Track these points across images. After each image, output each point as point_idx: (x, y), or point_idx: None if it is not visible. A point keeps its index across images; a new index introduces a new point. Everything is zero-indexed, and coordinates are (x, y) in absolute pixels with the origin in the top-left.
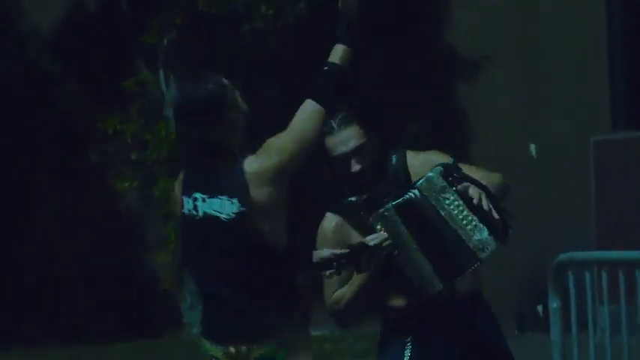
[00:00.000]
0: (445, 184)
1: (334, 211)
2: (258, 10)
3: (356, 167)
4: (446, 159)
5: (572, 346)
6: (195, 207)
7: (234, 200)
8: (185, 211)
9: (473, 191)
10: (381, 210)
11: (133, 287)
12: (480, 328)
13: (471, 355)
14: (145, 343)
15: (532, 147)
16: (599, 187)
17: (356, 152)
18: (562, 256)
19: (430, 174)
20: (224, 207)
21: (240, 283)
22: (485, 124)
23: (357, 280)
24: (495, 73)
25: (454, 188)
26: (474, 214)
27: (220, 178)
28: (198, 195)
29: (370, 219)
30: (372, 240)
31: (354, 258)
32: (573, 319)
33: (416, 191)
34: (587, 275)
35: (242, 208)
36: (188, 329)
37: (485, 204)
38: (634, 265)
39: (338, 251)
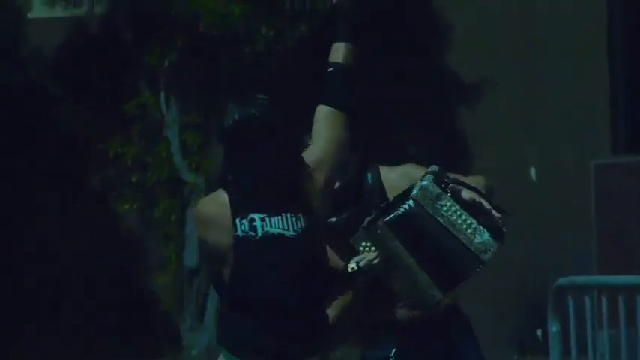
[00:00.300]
0: (440, 191)
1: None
2: (259, 32)
3: (335, 185)
4: (422, 171)
5: None
6: (253, 227)
7: (300, 216)
8: (239, 233)
9: (467, 194)
10: (369, 227)
11: (134, 308)
12: (457, 341)
13: None
14: None
15: (532, 170)
16: (600, 211)
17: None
18: (562, 280)
19: (424, 183)
20: (288, 224)
21: (300, 301)
22: (486, 148)
23: (339, 302)
24: (496, 97)
25: (449, 194)
26: (472, 217)
27: (283, 196)
28: (255, 216)
29: (350, 240)
30: (360, 261)
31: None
32: (573, 344)
33: (411, 202)
34: (587, 300)
35: (306, 224)
36: (188, 351)
37: (486, 204)
38: (634, 289)
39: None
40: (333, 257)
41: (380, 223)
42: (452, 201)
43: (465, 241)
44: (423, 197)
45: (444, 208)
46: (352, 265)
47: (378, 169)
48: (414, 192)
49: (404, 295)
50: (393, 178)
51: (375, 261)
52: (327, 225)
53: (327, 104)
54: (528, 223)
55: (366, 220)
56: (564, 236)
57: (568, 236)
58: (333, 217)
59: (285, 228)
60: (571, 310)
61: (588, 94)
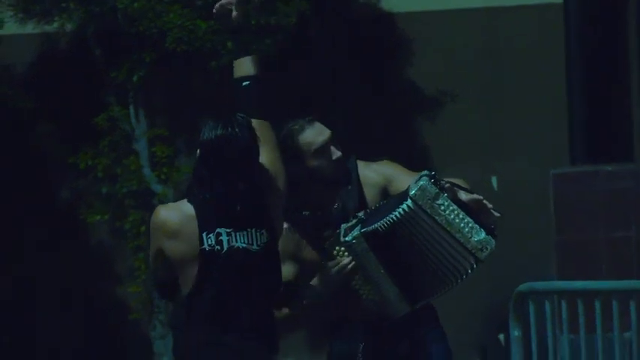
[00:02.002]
0: (437, 190)
1: (289, 222)
2: (225, 46)
3: (337, 153)
4: (397, 168)
5: None
6: (219, 242)
7: (263, 231)
8: (205, 247)
9: (467, 195)
10: (345, 234)
11: (105, 317)
12: (425, 334)
13: None
14: None
15: (494, 180)
16: (559, 218)
17: (332, 139)
18: (522, 287)
19: (421, 183)
20: (253, 239)
21: (256, 308)
22: (450, 159)
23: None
24: (459, 111)
25: (445, 194)
26: (469, 216)
27: (249, 211)
28: (222, 230)
29: (325, 245)
30: (333, 267)
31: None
32: (534, 348)
33: (410, 202)
34: (548, 305)
35: (269, 238)
36: (158, 358)
37: (488, 203)
38: (593, 295)
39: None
40: (309, 252)
41: (356, 232)
42: (449, 200)
43: (461, 240)
44: (422, 197)
45: (442, 207)
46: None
47: (356, 162)
48: (413, 192)
49: (370, 303)
50: (369, 174)
51: (349, 267)
52: (301, 217)
53: (254, 117)
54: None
55: (343, 226)
56: (525, 244)
57: (529, 244)
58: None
59: (250, 242)
60: (532, 315)
61: (548, 107)
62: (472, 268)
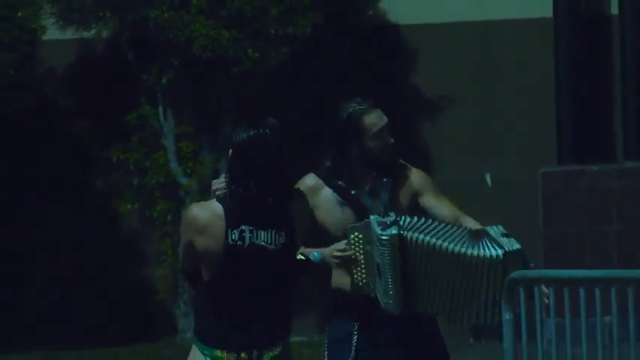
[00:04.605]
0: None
1: (318, 175)
2: (246, 53)
3: (391, 140)
4: (430, 185)
5: (522, 354)
6: (242, 238)
7: (282, 234)
8: (229, 241)
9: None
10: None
11: (134, 297)
12: (423, 325)
13: (414, 351)
14: (143, 347)
15: (488, 176)
16: (547, 215)
17: (388, 126)
18: (515, 274)
19: (517, 247)
20: (272, 239)
21: (269, 298)
22: (447, 157)
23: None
24: (457, 114)
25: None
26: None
27: (272, 213)
28: (245, 227)
29: (349, 225)
30: (339, 249)
31: None
32: (523, 330)
33: (499, 253)
34: (537, 291)
35: (286, 241)
36: (182, 334)
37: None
38: (578, 282)
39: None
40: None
41: (393, 231)
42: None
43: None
44: (512, 262)
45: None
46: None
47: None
48: (503, 251)
49: (365, 287)
50: (407, 175)
51: (352, 257)
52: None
53: None
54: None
55: (375, 218)
56: (515, 236)
57: (518, 236)
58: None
59: (269, 242)
60: (522, 300)
61: (537, 111)
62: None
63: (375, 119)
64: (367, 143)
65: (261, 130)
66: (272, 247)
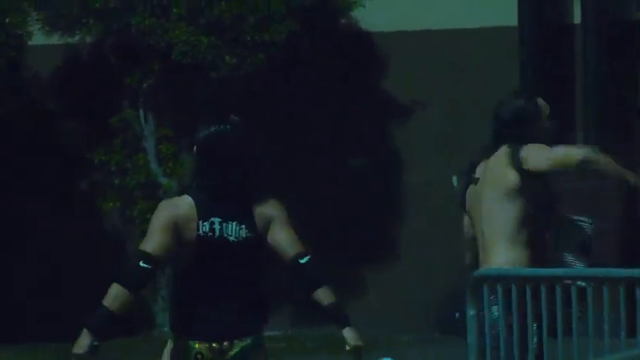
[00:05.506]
0: None
1: None
2: (224, 59)
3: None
4: None
5: (486, 348)
6: (213, 229)
7: (243, 227)
8: (200, 232)
9: None
10: None
11: None
12: None
13: None
14: (123, 341)
15: (454, 178)
16: None
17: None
18: (478, 272)
19: None
20: (233, 231)
21: (238, 288)
22: (417, 159)
23: None
24: (426, 118)
25: None
26: None
27: (236, 206)
28: (215, 219)
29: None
30: None
31: None
32: (487, 326)
33: None
34: (499, 288)
35: (248, 235)
36: (160, 328)
37: None
38: (538, 280)
39: None
40: None
41: None
42: None
43: None
44: None
45: None
46: None
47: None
48: None
49: None
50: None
51: None
52: None
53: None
54: (453, 225)
55: None
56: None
57: None
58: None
59: (230, 234)
60: (485, 296)
61: None
62: None
63: (544, 104)
64: (543, 123)
65: (222, 127)
66: (232, 238)
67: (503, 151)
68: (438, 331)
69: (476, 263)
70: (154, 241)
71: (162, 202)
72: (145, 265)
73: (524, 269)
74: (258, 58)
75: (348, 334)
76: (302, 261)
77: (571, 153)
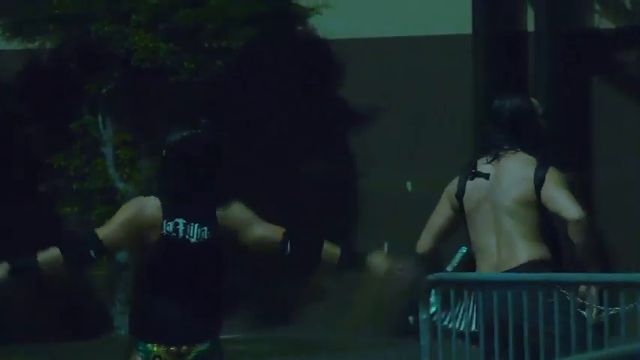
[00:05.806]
0: None
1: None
2: (183, 65)
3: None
4: None
5: (438, 350)
6: (176, 230)
7: (205, 229)
8: (164, 232)
9: None
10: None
11: (72, 296)
12: None
13: None
14: (82, 344)
15: (408, 184)
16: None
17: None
18: (432, 276)
19: None
20: (195, 232)
21: (198, 291)
22: (374, 166)
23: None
24: (384, 124)
25: None
26: None
27: (201, 208)
28: (180, 220)
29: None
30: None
31: None
32: (439, 329)
33: None
34: (452, 292)
35: (209, 237)
36: (117, 331)
37: None
38: (491, 285)
39: None
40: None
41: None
42: None
43: None
44: None
45: None
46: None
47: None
48: None
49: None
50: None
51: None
52: None
53: None
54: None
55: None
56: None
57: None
58: None
59: (192, 235)
60: (438, 301)
61: (457, 121)
62: None
63: (537, 103)
64: (540, 120)
65: (194, 130)
66: (196, 240)
67: (525, 158)
68: (395, 335)
69: (434, 254)
70: (110, 230)
71: (133, 199)
72: (92, 256)
73: (478, 274)
74: (217, 65)
75: (374, 260)
76: (289, 245)
77: (569, 206)
